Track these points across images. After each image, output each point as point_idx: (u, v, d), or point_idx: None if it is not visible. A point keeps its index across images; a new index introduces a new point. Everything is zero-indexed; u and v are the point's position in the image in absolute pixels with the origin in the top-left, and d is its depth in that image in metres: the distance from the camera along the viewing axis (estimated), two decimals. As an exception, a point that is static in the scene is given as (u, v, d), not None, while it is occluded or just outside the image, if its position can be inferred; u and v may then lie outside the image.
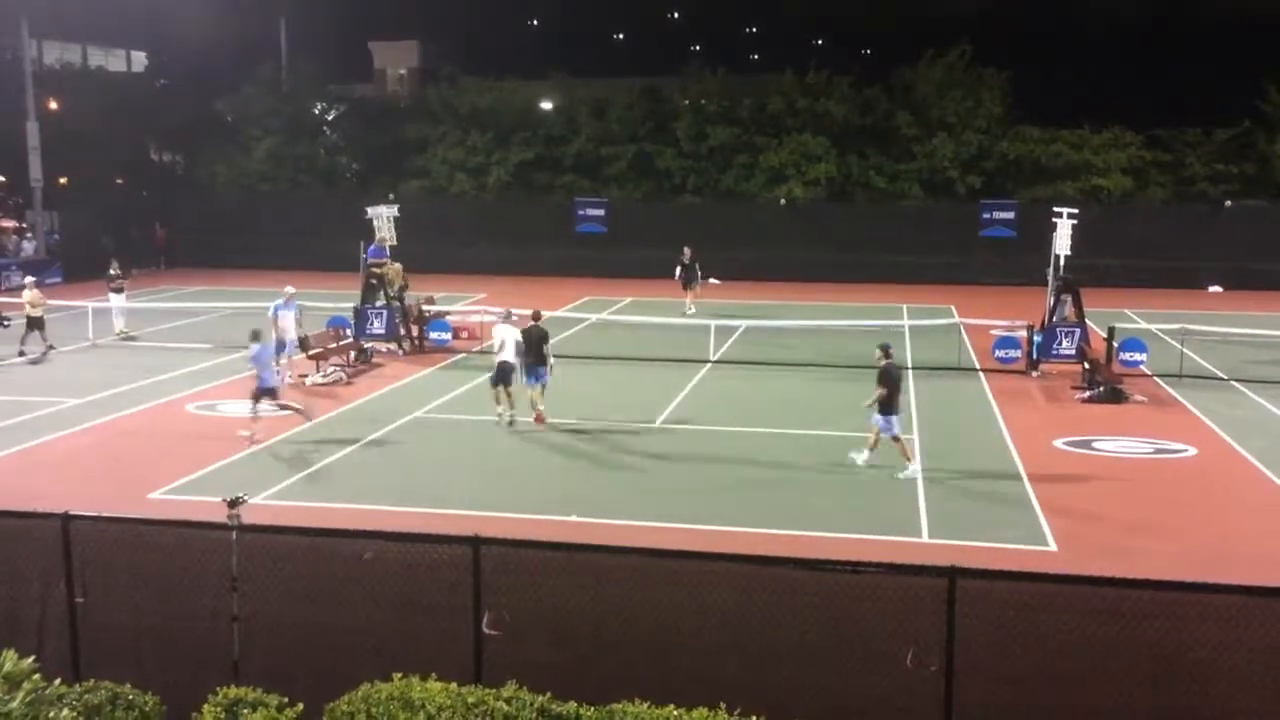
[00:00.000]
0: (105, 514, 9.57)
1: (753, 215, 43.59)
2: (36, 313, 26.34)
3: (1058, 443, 18.68)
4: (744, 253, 41.56)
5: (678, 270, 33.52)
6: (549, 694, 7.55)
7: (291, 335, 23.43)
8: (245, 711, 7.41)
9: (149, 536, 9.08)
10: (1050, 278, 24.86)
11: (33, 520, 9.16)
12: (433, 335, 27.31)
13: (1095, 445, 18.57)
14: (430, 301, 29.36)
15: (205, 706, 7.47)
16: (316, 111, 50.81)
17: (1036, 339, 24.29)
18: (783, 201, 43.81)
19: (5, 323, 28.22)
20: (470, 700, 7.43)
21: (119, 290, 29.24)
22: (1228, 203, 41.43)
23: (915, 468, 16.66)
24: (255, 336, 18.87)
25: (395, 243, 27.45)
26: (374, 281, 26.61)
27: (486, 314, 24.27)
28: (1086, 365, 23.08)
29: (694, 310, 32.46)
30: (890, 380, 16.77)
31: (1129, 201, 42.52)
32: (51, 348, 26.59)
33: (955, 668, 7.62)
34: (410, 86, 65.31)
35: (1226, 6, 52.86)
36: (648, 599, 8.11)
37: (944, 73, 44.46)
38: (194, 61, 52.39)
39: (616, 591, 8.14)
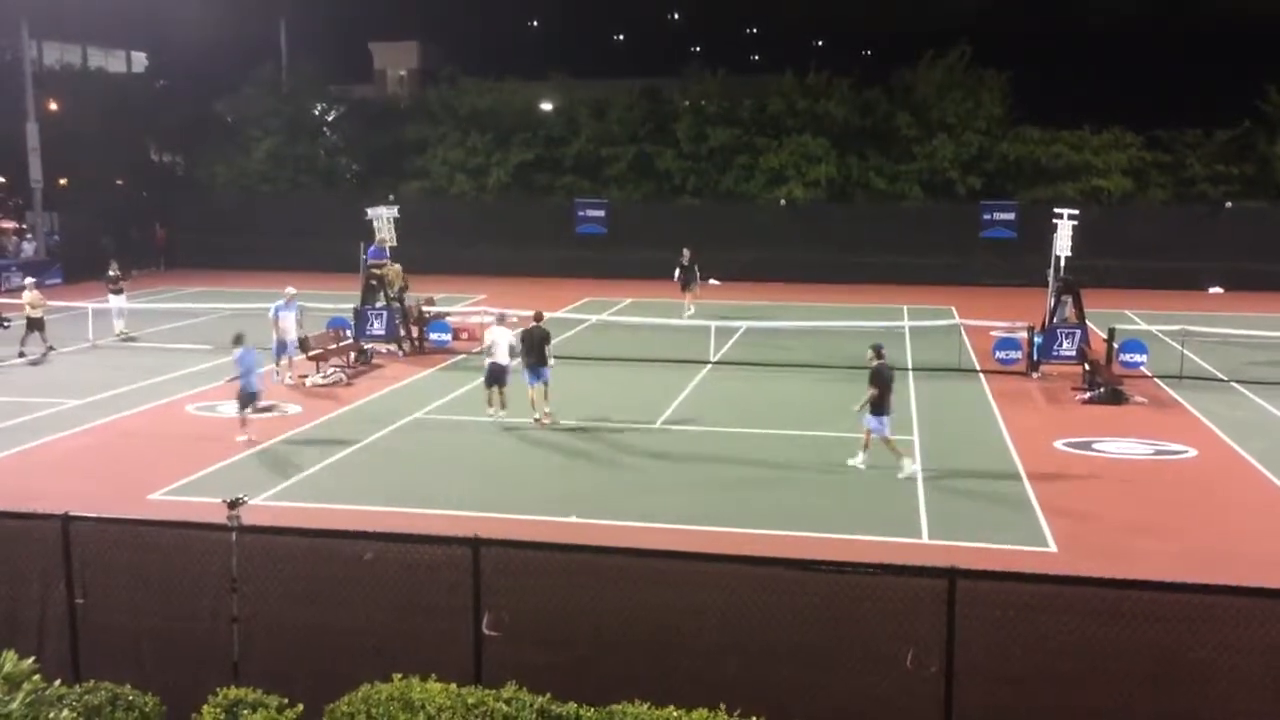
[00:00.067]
0: (105, 515, 9.56)
1: (753, 216, 43.58)
2: (36, 314, 26.35)
3: (1058, 444, 18.67)
4: (744, 254, 41.57)
5: (676, 272, 33.48)
6: (549, 695, 7.54)
7: (292, 336, 23.42)
8: (245, 712, 7.41)
9: (149, 537, 9.07)
10: (1051, 279, 24.86)
11: (33, 521, 9.15)
12: (433, 336, 27.31)
13: (1095, 446, 18.57)
14: (430, 302, 29.36)
15: (205, 707, 7.47)
16: (316, 112, 50.81)
17: (1037, 340, 24.29)
18: (783, 202, 43.80)
19: (5, 324, 28.21)
20: (470, 701, 7.42)
21: (118, 291, 29.24)
22: (1228, 204, 41.42)
23: (913, 465, 16.65)
24: (238, 341, 18.86)
25: (395, 244, 27.44)
26: (374, 282, 26.61)
27: (486, 315, 24.28)
28: (1087, 366, 23.08)
29: (693, 311, 32.44)
30: (882, 380, 16.75)
31: (1129, 202, 42.52)
32: (51, 349, 26.60)
33: (955, 669, 7.61)
34: (410, 87, 65.36)
35: (1227, 7, 52.88)
36: (648, 599, 8.11)
37: (944, 74, 44.46)
38: (194, 62, 52.38)
39: (616, 592, 8.14)
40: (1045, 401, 22.21)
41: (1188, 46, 52.55)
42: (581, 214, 44.50)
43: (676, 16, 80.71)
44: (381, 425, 19.79)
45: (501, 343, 19.76)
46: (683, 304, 32.96)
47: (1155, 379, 23.69)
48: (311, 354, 23.77)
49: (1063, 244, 24.12)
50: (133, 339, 28.72)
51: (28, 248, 44.17)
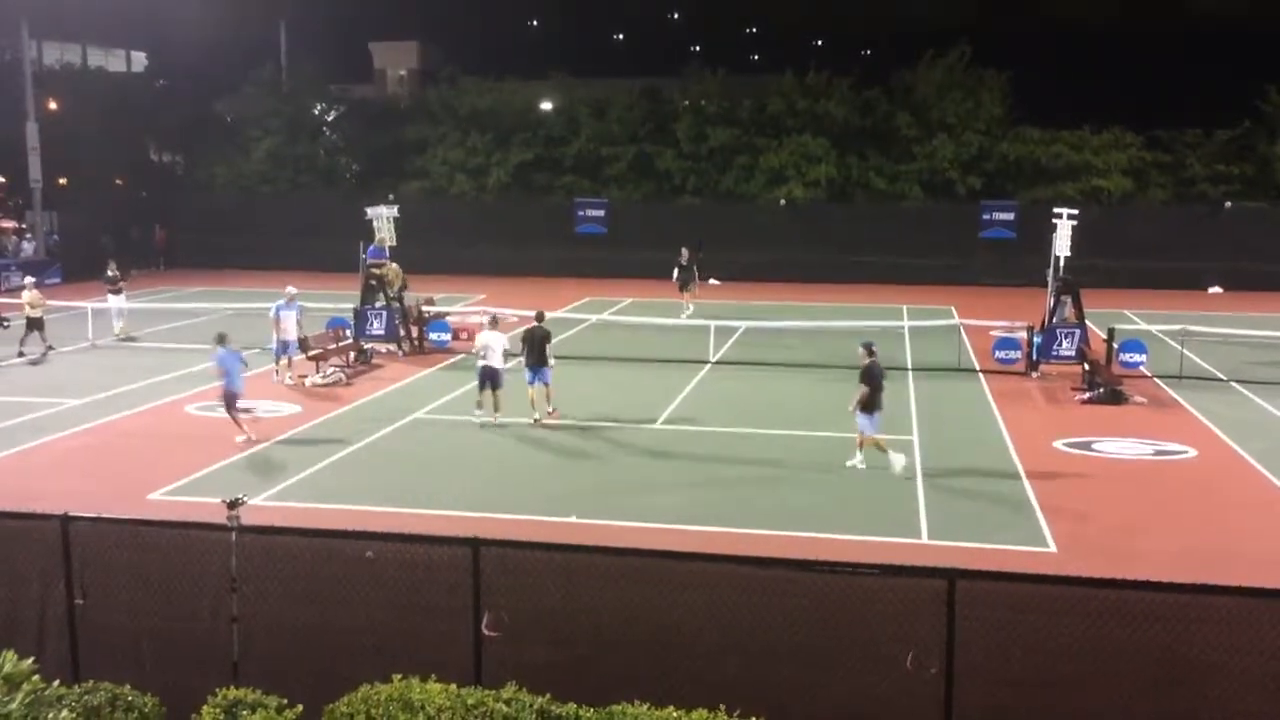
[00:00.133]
0: (105, 515, 9.57)
1: (753, 216, 43.58)
2: (36, 313, 26.34)
3: (1058, 444, 18.67)
4: (744, 254, 41.58)
5: (675, 272, 33.41)
6: (548, 695, 7.54)
7: (292, 336, 23.40)
8: (245, 713, 7.40)
9: (148, 537, 9.06)
10: (1050, 279, 24.86)
11: (32, 521, 9.15)
12: (432, 336, 27.30)
13: (1095, 446, 18.57)
14: (430, 302, 29.35)
15: (205, 708, 7.46)
16: (316, 112, 50.83)
17: (1036, 340, 24.29)
18: (783, 202, 43.81)
19: (5, 323, 28.21)
20: (470, 701, 7.42)
21: (117, 292, 29.22)
22: (1228, 204, 41.42)
23: (900, 459, 16.66)
24: (220, 340, 18.87)
25: (395, 243, 27.44)
26: (373, 282, 26.61)
27: (486, 314, 24.23)
28: (1086, 366, 23.07)
29: (691, 310, 32.37)
30: (873, 378, 16.77)
31: (1129, 202, 42.54)
32: (51, 348, 26.59)
33: (955, 670, 7.60)
34: (410, 87, 65.37)
35: (1226, 7, 52.89)
36: (647, 600, 8.10)
37: (944, 74, 44.48)
38: (194, 62, 52.40)
39: (616, 592, 8.13)
40: (1045, 401, 22.22)
41: (1188, 46, 52.59)
42: (581, 214, 44.51)
43: (676, 16, 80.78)
44: (381, 425, 19.79)
45: (493, 346, 19.65)
46: (681, 304, 32.92)
47: (1155, 379, 23.69)
48: (311, 354, 23.76)
49: (1062, 244, 24.12)
50: (132, 339, 28.72)
51: (27, 247, 44.17)
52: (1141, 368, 23.94)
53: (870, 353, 17.04)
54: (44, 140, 42.57)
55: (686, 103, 47.16)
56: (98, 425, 19.84)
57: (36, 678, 7.45)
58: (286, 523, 10.36)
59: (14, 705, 7.10)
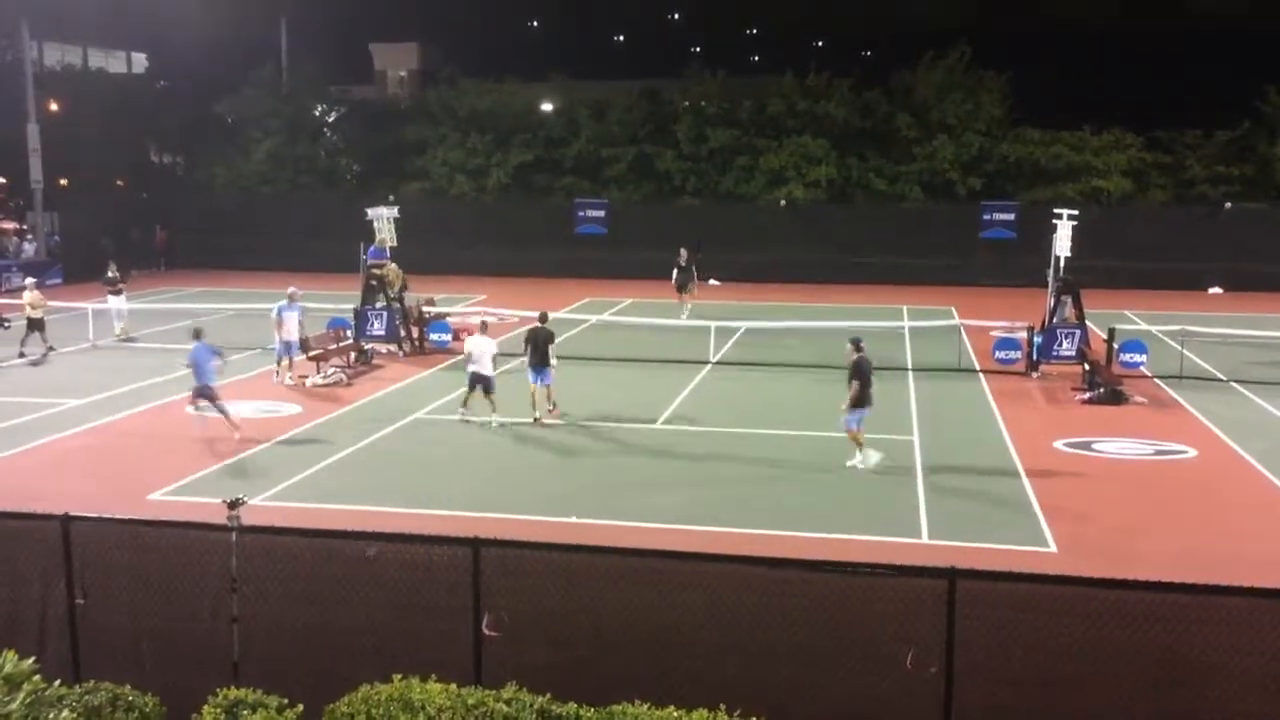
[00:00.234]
0: (105, 515, 9.57)
1: (753, 217, 43.57)
2: (37, 314, 26.34)
3: (1058, 444, 18.67)
4: (744, 255, 41.59)
5: (674, 273, 33.32)
6: (549, 695, 7.54)
7: (295, 337, 23.40)
8: (245, 713, 7.40)
9: (149, 538, 9.07)
10: (1050, 279, 24.87)
11: (33, 521, 9.15)
12: (433, 337, 27.30)
13: (1095, 446, 18.57)
14: (430, 303, 29.35)
15: (205, 708, 7.46)
16: (317, 113, 50.84)
17: (1037, 340, 24.29)
18: (783, 203, 43.81)
19: (5, 324, 28.22)
20: (470, 702, 7.42)
21: (117, 293, 29.22)
22: (1228, 204, 41.42)
23: (875, 455, 16.73)
24: (195, 335, 18.89)
25: (395, 244, 27.45)
26: (374, 283, 26.61)
27: (487, 315, 24.22)
28: (1086, 366, 23.08)
29: (690, 309, 32.28)
30: (862, 374, 16.80)
31: (1129, 203, 42.53)
32: (52, 349, 26.60)
33: (955, 669, 7.61)
34: (410, 88, 65.40)
35: (1226, 7, 52.92)
36: (648, 599, 8.10)
37: (944, 75, 44.48)
38: (194, 63, 52.43)
39: (616, 592, 8.14)
40: (1045, 401, 22.22)
41: (1188, 47, 52.61)
42: (581, 215, 44.50)
43: (676, 17, 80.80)
44: (381, 425, 19.79)
45: (483, 351, 19.58)
46: (678, 305, 32.75)
47: (1155, 379, 23.69)
48: (312, 354, 23.77)
49: (1062, 244, 24.12)
50: (133, 339, 28.73)
51: (28, 248, 44.16)
52: (1142, 368, 23.95)
53: (858, 349, 17.07)
54: (45, 141, 42.57)
55: (686, 104, 47.16)
56: (98, 426, 19.85)
57: (37, 678, 7.45)
58: (287, 523, 10.35)
59: (15, 705, 7.10)
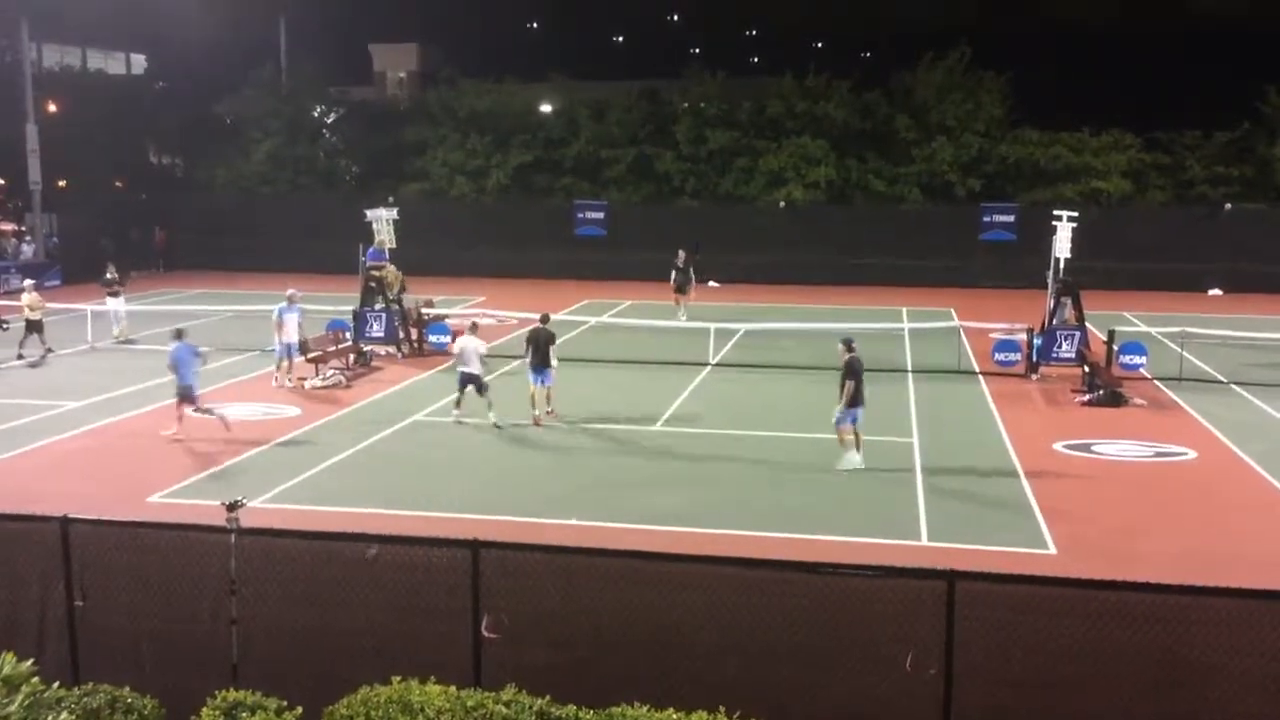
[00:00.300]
0: (104, 517, 9.57)
1: (752, 218, 43.56)
2: (35, 315, 26.32)
3: (1057, 446, 18.67)
4: (743, 256, 41.59)
5: (672, 274, 33.24)
6: (548, 697, 7.54)
7: (294, 338, 23.38)
8: (244, 715, 7.40)
9: (148, 539, 9.05)
10: (1050, 280, 24.86)
11: (32, 523, 9.14)
12: (432, 338, 27.26)
13: (1095, 448, 18.56)
14: (429, 305, 29.34)
15: (204, 710, 7.46)
16: (316, 114, 50.82)
17: (1036, 342, 24.29)
18: (782, 205, 43.79)
19: (4, 326, 28.20)
20: (469, 703, 7.41)
21: (115, 295, 29.20)
22: (1227, 205, 41.42)
23: (857, 459, 16.75)
24: (177, 335, 18.89)
25: (394, 245, 27.43)
26: (373, 284, 26.60)
27: (486, 316, 24.27)
28: (1086, 368, 23.07)
29: (685, 311, 32.18)
30: (855, 374, 16.83)
31: (1129, 204, 42.53)
32: (50, 350, 26.58)
33: (955, 671, 7.61)
34: (410, 89, 65.39)
35: (1226, 7, 52.95)
36: (647, 601, 8.10)
37: (943, 76, 44.46)
38: (193, 64, 52.46)
39: (616, 593, 8.13)
40: (1044, 403, 22.22)
41: (1187, 47, 52.62)
42: (581, 216, 44.50)
43: (676, 18, 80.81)
44: (381, 427, 19.78)
45: (471, 351, 19.56)
46: (674, 307, 32.60)
47: (1155, 381, 23.68)
48: (310, 356, 23.75)
49: (1062, 246, 24.11)
50: (132, 341, 28.71)
51: (27, 249, 44.16)
52: (1141, 369, 23.93)
53: (849, 348, 17.10)
54: (44, 142, 42.55)
55: (686, 105, 47.13)
56: (97, 427, 19.84)
57: (36, 680, 7.45)
58: (286, 525, 10.35)
59: (13, 707, 7.09)
